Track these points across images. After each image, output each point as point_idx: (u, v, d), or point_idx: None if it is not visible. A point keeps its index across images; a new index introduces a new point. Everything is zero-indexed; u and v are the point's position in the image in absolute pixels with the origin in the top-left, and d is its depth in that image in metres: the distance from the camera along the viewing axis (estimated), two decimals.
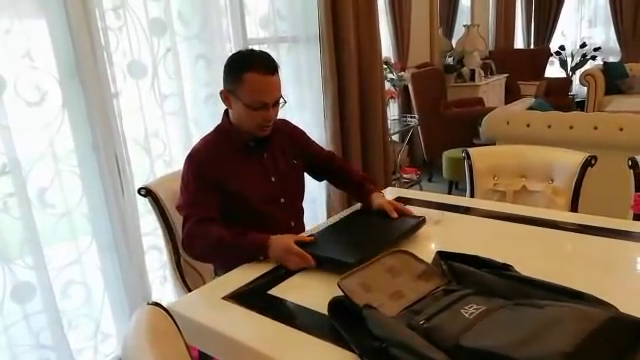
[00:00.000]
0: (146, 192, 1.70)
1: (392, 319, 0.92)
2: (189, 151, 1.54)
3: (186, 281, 1.72)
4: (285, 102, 1.52)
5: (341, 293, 1.01)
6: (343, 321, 0.98)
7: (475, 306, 0.92)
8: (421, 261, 1.14)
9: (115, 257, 2.12)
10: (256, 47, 2.73)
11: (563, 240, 1.39)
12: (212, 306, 1.14)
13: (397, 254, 1.16)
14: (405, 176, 4.07)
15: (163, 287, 2.38)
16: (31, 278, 1.87)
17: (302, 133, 1.76)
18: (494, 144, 3.66)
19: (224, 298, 1.15)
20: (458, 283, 1.07)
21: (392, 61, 3.98)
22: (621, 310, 0.84)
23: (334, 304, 1.02)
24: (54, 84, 1.92)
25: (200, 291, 1.24)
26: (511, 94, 6.00)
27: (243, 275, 1.26)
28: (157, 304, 0.91)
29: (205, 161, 1.48)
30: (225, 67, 1.48)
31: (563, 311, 0.81)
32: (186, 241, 1.43)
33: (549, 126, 3.24)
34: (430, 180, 4.57)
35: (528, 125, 3.34)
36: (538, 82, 6.14)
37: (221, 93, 1.50)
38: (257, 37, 2.70)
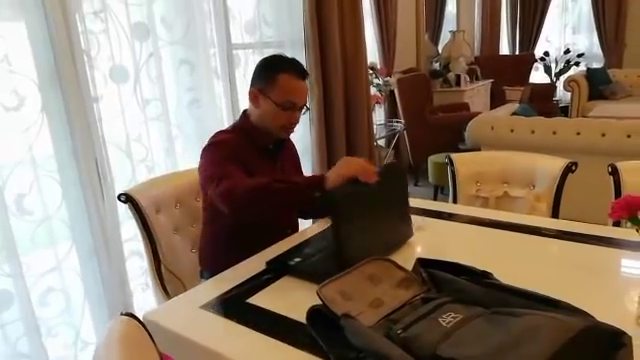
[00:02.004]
0: (126, 198, 1.67)
1: (369, 329, 0.91)
2: (209, 140, 1.54)
3: (166, 288, 1.70)
4: (308, 109, 1.58)
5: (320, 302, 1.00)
6: (321, 330, 0.97)
7: (453, 314, 0.91)
8: (401, 269, 1.13)
9: (95, 264, 2.08)
10: (241, 52, 2.76)
11: (544, 246, 1.40)
12: (189, 315, 1.12)
13: (377, 262, 1.16)
14: None
15: (145, 294, 2.34)
16: (8, 286, 1.83)
17: (298, 155, 1.82)
18: (479, 149, 3.69)
19: (202, 307, 1.14)
20: (438, 291, 1.07)
21: (378, 66, 3.99)
22: (600, 317, 0.84)
23: (313, 313, 1.01)
24: (33, 88, 1.89)
25: (178, 299, 1.22)
26: (496, 99, 6.06)
27: (222, 283, 1.25)
28: (131, 315, 0.89)
29: (229, 145, 1.50)
30: (258, 67, 1.55)
31: (539, 320, 0.80)
32: (227, 191, 1.32)
33: (533, 131, 3.28)
34: (416, 184, 4.58)
35: (512, 130, 3.37)
36: (523, 87, 6.20)
37: (250, 92, 1.54)
38: (242, 42, 2.69)
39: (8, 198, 1.84)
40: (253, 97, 1.53)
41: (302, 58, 2.98)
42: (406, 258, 1.20)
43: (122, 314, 0.89)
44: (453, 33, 5.59)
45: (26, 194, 1.91)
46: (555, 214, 1.71)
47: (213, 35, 2.52)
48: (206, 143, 1.54)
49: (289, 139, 1.72)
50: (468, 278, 1.05)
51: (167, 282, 1.72)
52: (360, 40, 3.21)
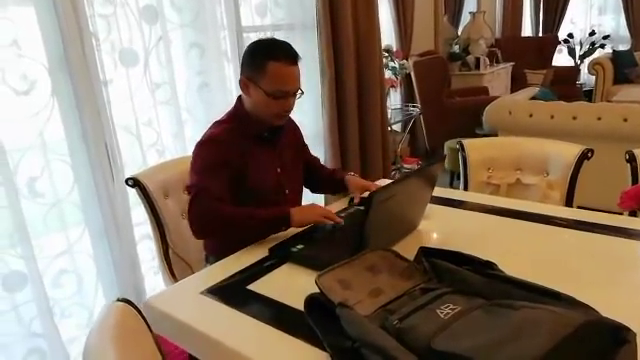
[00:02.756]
0: (134, 182, 1.68)
1: (365, 319, 0.89)
2: (201, 137, 1.50)
3: (174, 272, 1.71)
4: (302, 93, 1.51)
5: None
6: (318, 319, 0.96)
7: (451, 306, 0.89)
8: (402, 258, 1.11)
9: (107, 247, 2.11)
10: (252, 35, 2.72)
11: (555, 236, 1.36)
12: (189, 301, 1.12)
13: (379, 252, 1.13)
14: (406, 166, 4.03)
15: (157, 277, 2.37)
16: (22, 267, 1.87)
17: (300, 131, 1.77)
18: (496, 134, 3.61)
19: (202, 293, 1.14)
20: (439, 281, 1.04)
21: (394, 49, 3.91)
22: (613, 311, 0.80)
23: (310, 301, 0.99)
24: (43, 72, 1.90)
25: (179, 285, 1.22)
26: (517, 83, 5.91)
27: (224, 269, 1.24)
28: (126, 300, 0.89)
29: (222, 145, 1.46)
30: (246, 54, 1.47)
31: (538, 314, 0.78)
32: (195, 218, 1.39)
33: (552, 116, 3.19)
34: None
35: (531, 115, 3.29)
36: (545, 71, 6.04)
37: (240, 80, 1.49)
38: (252, 25, 2.65)
39: (20, 181, 1.87)
40: (243, 85, 1.48)
41: (314, 40, 2.93)
42: (410, 247, 1.17)
43: (117, 300, 0.89)
44: (473, 14, 5.45)
45: (38, 177, 1.94)
46: (569, 203, 1.66)
47: (223, 18, 2.49)
48: (201, 137, 1.50)
49: (290, 122, 1.68)
50: (470, 268, 1.02)
51: (175, 266, 1.73)
52: (374, 22, 3.14)
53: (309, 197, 1.88)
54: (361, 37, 3.11)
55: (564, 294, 0.86)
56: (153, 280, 2.35)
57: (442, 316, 0.86)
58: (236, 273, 1.22)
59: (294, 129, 1.71)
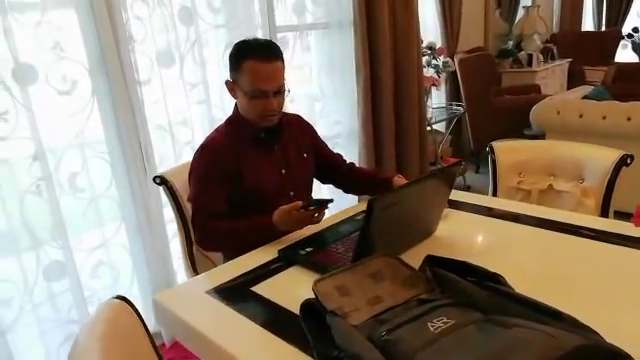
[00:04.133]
0: (161, 181, 1.73)
1: (353, 329, 0.87)
2: (201, 143, 1.53)
3: (197, 269, 1.75)
4: (288, 91, 1.49)
5: None
6: (312, 325, 0.95)
7: (445, 319, 0.85)
8: (407, 266, 1.08)
9: (140, 242, 2.19)
10: (289, 35, 2.74)
11: (581, 249, 1.26)
12: (193, 300, 1.14)
13: (384, 258, 1.10)
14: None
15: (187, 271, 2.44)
16: (61, 258, 1.98)
17: (314, 130, 1.74)
18: (544, 135, 3.44)
19: (208, 292, 1.16)
20: (442, 291, 1.00)
21: (437, 46, 3.81)
22: (619, 335, 0.74)
23: (306, 306, 0.99)
24: (84, 73, 2.00)
25: (187, 283, 1.26)
26: (575, 80, 5.59)
27: (233, 269, 1.26)
28: (123, 298, 0.92)
29: (217, 152, 1.48)
30: (229, 57, 1.46)
31: (530, 335, 0.73)
32: (198, 236, 1.49)
33: (604, 117, 3.01)
34: (477, 171, 4.38)
35: (581, 115, 3.11)
36: (606, 67, 5.67)
37: (227, 84, 1.49)
38: (286, 24, 2.66)
39: (62, 177, 1.98)
40: (230, 89, 1.48)
41: (350, 38, 2.91)
42: (423, 254, 1.13)
43: (115, 297, 0.92)
44: (527, 8, 5.20)
45: (78, 173, 2.04)
46: (604, 212, 1.55)
47: (258, 18, 2.51)
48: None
49: (298, 121, 1.66)
50: (475, 280, 0.98)
51: (199, 264, 1.77)
52: (412, 19, 3.07)
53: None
54: (399, 35, 3.04)
55: (566, 314, 0.80)
56: (185, 276, 2.42)
57: (432, 330, 0.83)
58: (243, 274, 1.23)
59: (304, 129, 1.68)
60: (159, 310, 1.13)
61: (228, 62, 1.47)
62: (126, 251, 2.24)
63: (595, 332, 0.76)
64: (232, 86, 1.48)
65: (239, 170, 1.46)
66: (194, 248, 1.78)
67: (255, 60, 1.38)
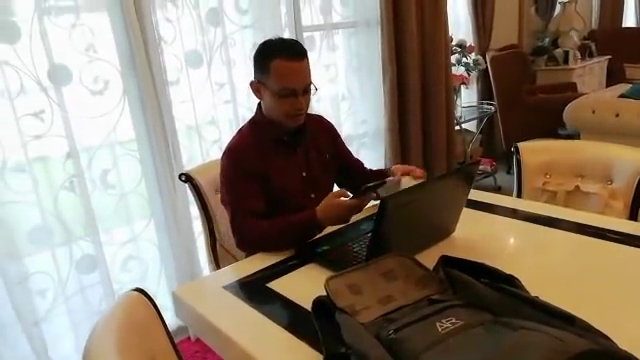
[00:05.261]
0: (186, 178, 1.77)
1: (361, 326, 0.88)
2: (226, 146, 1.54)
3: (220, 265, 1.79)
4: (316, 89, 1.49)
5: None
6: (323, 322, 0.96)
7: (453, 320, 0.85)
8: (421, 266, 1.07)
9: (167, 237, 2.25)
10: (315, 34, 2.75)
11: (605, 253, 1.22)
12: (210, 294, 1.17)
13: (398, 257, 1.10)
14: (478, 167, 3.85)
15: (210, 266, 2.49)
16: (92, 252, 2.06)
17: (337, 132, 1.73)
18: (579, 135, 3.34)
19: (225, 287, 1.18)
20: (454, 292, 1.00)
21: (468, 44, 3.75)
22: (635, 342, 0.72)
23: (318, 303, 1.00)
24: (115, 74, 2.07)
25: (207, 278, 1.30)
26: (615, 78, 5.38)
27: (250, 265, 1.29)
28: (141, 290, 0.96)
29: (243, 154, 1.48)
30: (254, 57, 1.46)
31: (535, 337, 0.72)
32: (239, 238, 1.45)
33: None
34: (508, 172, 4.28)
35: (617, 115, 3.00)
36: None
37: (251, 84, 1.49)
38: (312, 24, 2.68)
39: (94, 174, 2.06)
40: (255, 89, 1.48)
41: (377, 38, 2.90)
42: (437, 255, 1.12)
43: (133, 289, 0.95)
44: (563, 4, 5.05)
45: (109, 170, 2.12)
46: (633, 215, 1.50)
47: (284, 18, 2.54)
48: (225, 148, 1.54)
49: (320, 123, 1.65)
50: (487, 282, 0.97)
51: (222, 260, 1.81)
52: (441, 18, 3.03)
53: None
54: (426, 34, 3.01)
55: (580, 319, 0.78)
56: (209, 270, 2.47)
57: (440, 330, 0.83)
58: (260, 270, 1.25)
59: (326, 130, 1.67)
60: (178, 304, 1.17)
61: (254, 63, 1.46)
62: (154, 246, 2.31)
63: (607, 337, 0.75)
64: (257, 87, 1.47)
65: (265, 171, 1.47)
66: (217, 244, 1.82)
67: (282, 59, 1.38)
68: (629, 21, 6.64)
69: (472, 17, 3.99)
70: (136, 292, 0.94)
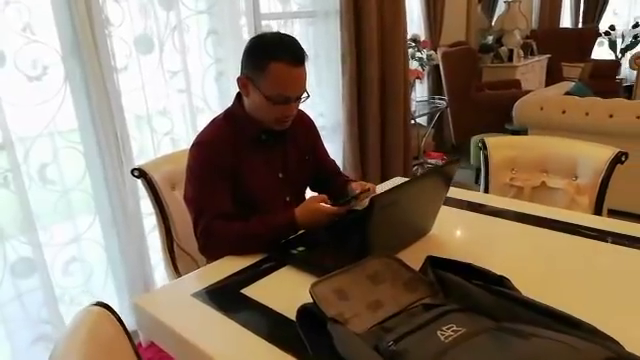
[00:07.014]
0: (139, 173, 1.63)
1: (358, 338, 0.81)
2: (196, 137, 1.40)
3: (178, 267, 1.67)
4: (308, 96, 1.36)
5: None
6: (310, 332, 0.89)
7: (455, 327, 0.80)
8: (408, 268, 1.02)
9: (115, 237, 2.09)
10: (272, 23, 2.65)
11: (581, 249, 1.23)
12: (178, 303, 1.06)
13: (382, 259, 1.05)
14: (429, 161, 3.91)
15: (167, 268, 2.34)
16: (30, 254, 1.86)
17: (318, 132, 1.62)
18: (526, 131, 3.45)
19: (194, 295, 1.08)
20: (445, 295, 0.95)
21: (421, 39, 3.77)
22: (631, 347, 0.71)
23: (303, 311, 0.92)
24: (56, 58, 1.88)
25: (171, 285, 1.18)
26: (553, 76, 5.66)
27: (220, 269, 1.18)
28: (104, 305, 0.84)
29: (216, 149, 1.34)
30: (247, 51, 1.31)
31: (551, 348, 0.68)
32: (204, 242, 1.31)
33: (587, 113, 3.02)
34: (460, 166, 4.37)
35: (564, 112, 3.12)
36: (583, 64, 5.75)
37: (239, 79, 1.34)
38: (271, 12, 2.57)
39: (31, 168, 1.86)
40: (242, 85, 1.33)
41: (336, 29, 2.83)
42: (419, 254, 1.08)
43: (93, 304, 0.84)
44: (508, 3, 5.21)
45: (49, 164, 1.92)
46: (598, 210, 1.53)
47: (242, 4, 2.42)
48: (195, 137, 1.40)
49: (302, 119, 1.52)
50: (481, 284, 0.93)
51: (180, 261, 1.69)
52: (400, 10, 3.01)
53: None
54: (386, 26, 2.98)
55: (586, 323, 0.76)
56: (164, 271, 2.33)
57: (443, 339, 0.78)
58: (231, 275, 1.15)
59: (307, 129, 1.55)
60: (140, 315, 1.05)
61: (245, 57, 1.31)
62: (100, 247, 2.13)
63: (616, 342, 0.72)
64: (246, 83, 1.31)
65: (236, 170, 1.34)
66: (174, 244, 1.70)
67: (283, 63, 1.23)
68: (565, 21, 6.99)
69: (424, 12, 4.02)
70: (97, 307, 0.83)
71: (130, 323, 0.88)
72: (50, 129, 1.90)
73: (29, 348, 1.89)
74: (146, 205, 2.18)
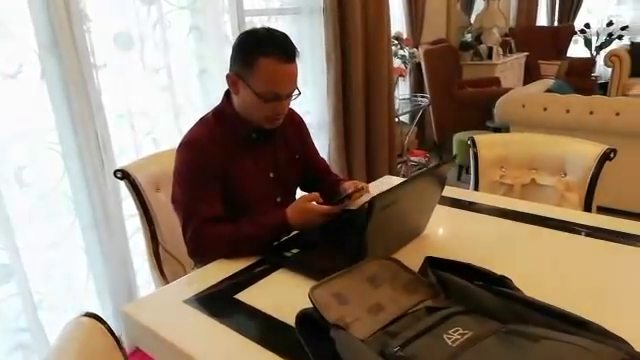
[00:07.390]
0: (122, 175, 1.58)
1: (363, 344, 0.79)
2: (184, 137, 1.34)
3: (164, 271, 1.62)
4: (299, 93, 1.32)
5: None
6: (311, 338, 0.86)
7: (461, 330, 0.78)
8: (407, 270, 1.00)
9: (96, 240, 2.02)
10: (255, 19, 2.60)
11: (575, 246, 1.24)
12: (169, 311, 1.02)
13: (380, 260, 1.02)
14: (413, 159, 3.91)
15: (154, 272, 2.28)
16: (6, 260, 1.78)
17: (307, 130, 1.58)
18: (508, 128, 3.48)
19: (186, 301, 1.04)
20: (447, 297, 0.94)
21: (404, 36, 3.77)
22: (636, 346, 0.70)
23: (303, 317, 0.89)
24: (32, 55, 1.80)
25: (162, 291, 1.13)
26: (531, 74, 5.74)
27: (212, 274, 1.14)
28: (93, 315, 0.80)
29: (205, 149, 1.29)
30: (236, 47, 1.27)
31: (563, 350, 0.67)
32: (194, 246, 1.27)
33: (568, 110, 3.06)
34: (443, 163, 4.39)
35: (545, 109, 3.15)
36: (559, 62, 5.85)
37: (228, 76, 1.30)
38: (254, 8, 2.53)
39: (6, 170, 1.78)
40: (232, 82, 1.29)
41: (320, 26, 2.80)
42: (415, 254, 1.07)
43: (83, 315, 0.79)
44: (487, 1, 5.25)
45: (26, 166, 1.85)
46: (587, 206, 1.54)
47: (225, 0, 2.36)
48: (183, 136, 1.35)
49: (292, 118, 1.49)
50: (483, 284, 0.91)
51: (166, 264, 1.64)
52: (383, 8, 3.00)
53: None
54: (370, 23, 2.96)
55: (594, 323, 0.75)
56: (147, 275, 2.26)
57: (450, 343, 0.76)
58: (224, 279, 1.11)
59: (297, 127, 1.51)
60: (130, 324, 1.01)
61: (234, 53, 1.27)
62: (81, 250, 2.06)
63: (625, 342, 0.71)
64: (235, 80, 1.28)
65: (226, 171, 1.30)
66: (160, 248, 1.65)
67: (273, 59, 1.20)
68: (542, 20, 7.10)
69: (406, 10, 4.02)
70: (87, 318, 0.78)
71: (115, 329, 0.84)
72: (26, 129, 1.82)
73: (7, 358, 1.81)
74: (128, 207, 2.13)
